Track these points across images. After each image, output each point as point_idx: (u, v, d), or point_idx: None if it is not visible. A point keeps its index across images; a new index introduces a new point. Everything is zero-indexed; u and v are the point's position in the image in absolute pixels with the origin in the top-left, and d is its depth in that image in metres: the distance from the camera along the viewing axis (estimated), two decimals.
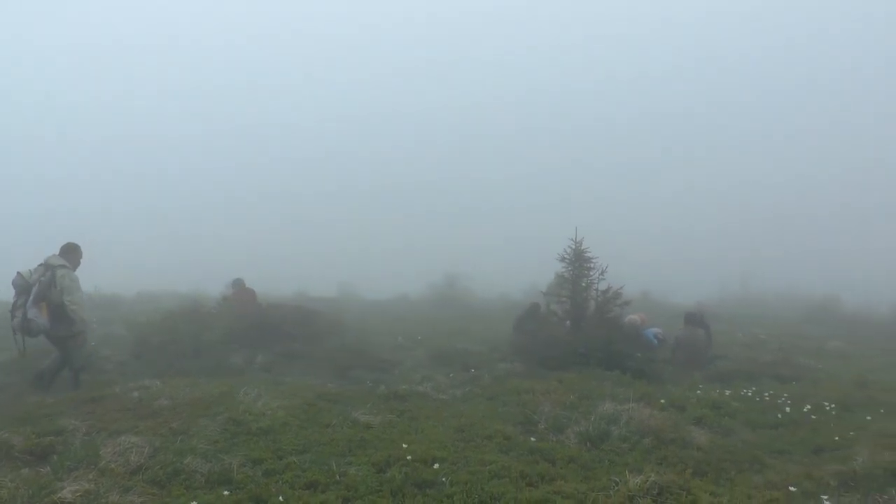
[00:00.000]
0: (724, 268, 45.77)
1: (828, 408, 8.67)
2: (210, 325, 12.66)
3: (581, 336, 11.85)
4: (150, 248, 52.59)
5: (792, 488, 5.63)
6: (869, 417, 8.27)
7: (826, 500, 5.44)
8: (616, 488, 5.19)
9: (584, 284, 12.47)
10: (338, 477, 5.34)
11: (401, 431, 6.90)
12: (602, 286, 12.44)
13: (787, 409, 8.58)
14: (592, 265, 12.43)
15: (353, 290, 33.17)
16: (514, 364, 11.39)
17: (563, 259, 12.66)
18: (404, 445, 6.17)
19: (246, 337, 12.27)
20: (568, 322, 12.70)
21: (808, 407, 8.65)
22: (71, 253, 8.81)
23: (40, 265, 8.56)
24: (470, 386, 9.81)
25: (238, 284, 15.55)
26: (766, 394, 9.44)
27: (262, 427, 6.72)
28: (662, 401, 8.69)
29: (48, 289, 8.31)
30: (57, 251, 8.78)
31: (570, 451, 6.40)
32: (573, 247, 12.48)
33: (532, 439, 6.89)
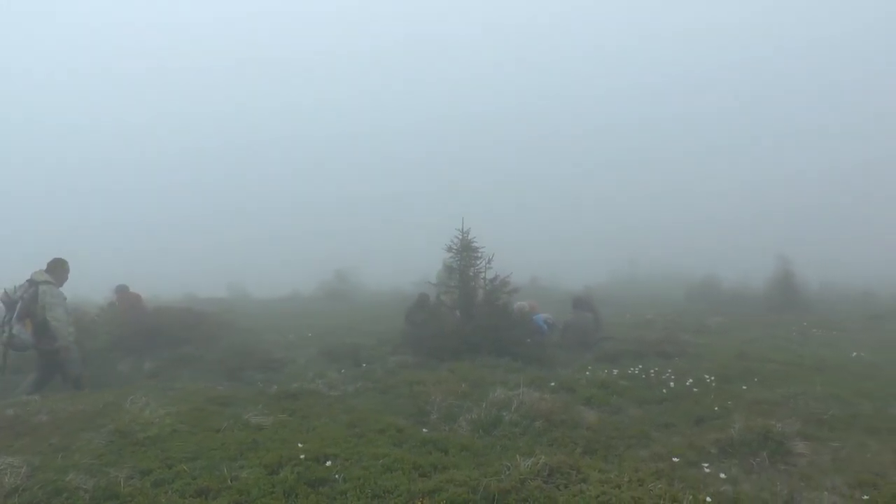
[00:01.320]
0: (612, 252, 47.67)
1: (708, 380, 9.25)
2: (94, 333, 12.10)
3: (471, 325, 12.04)
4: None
5: (675, 459, 6.00)
6: (745, 387, 8.91)
7: (706, 467, 5.83)
8: (508, 472, 5.33)
9: (471, 273, 12.66)
10: (229, 482, 5.24)
11: (293, 431, 6.84)
12: (490, 275, 12.67)
13: (672, 385, 9.09)
14: (479, 254, 12.64)
15: (243, 289, 32.54)
16: (405, 356, 11.47)
17: (450, 249, 12.80)
18: (297, 445, 6.13)
19: (132, 343, 11.78)
20: (457, 311, 12.87)
21: (691, 381, 9.20)
22: (57, 269, 9.10)
23: (26, 281, 8.84)
24: (362, 381, 9.83)
25: (122, 290, 14.89)
26: (652, 371, 9.95)
27: (150, 436, 6.50)
28: (553, 384, 9.01)
29: (31, 305, 8.62)
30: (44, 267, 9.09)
31: (462, 440, 6.54)
32: (460, 237, 12.65)
33: (424, 430, 6.99)
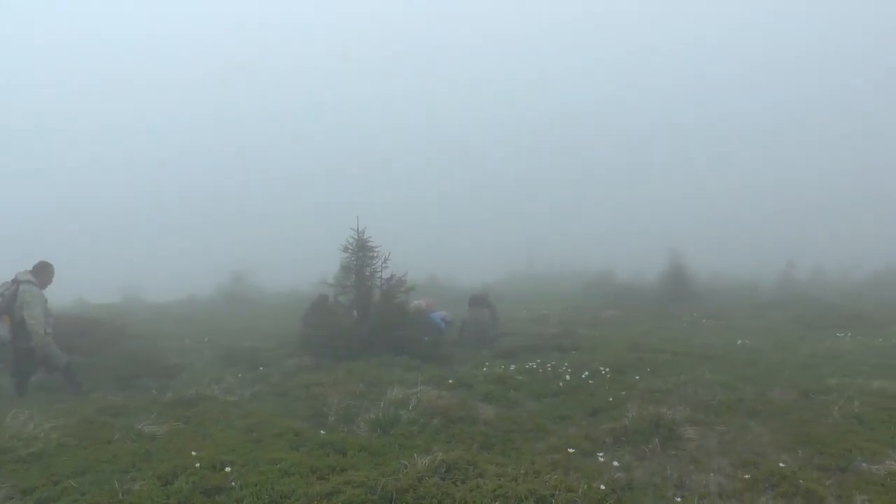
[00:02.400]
0: (510, 249, 48.57)
1: (603, 372, 9.60)
2: None
3: (368, 325, 12.04)
4: None
5: (571, 450, 6.21)
6: (638, 377, 9.31)
7: (601, 456, 6.07)
8: (405, 471, 5.38)
9: (368, 273, 12.64)
10: (121, 495, 5.05)
11: (188, 439, 6.66)
12: (386, 274, 12.70)
13: (568, 377, 9.37)
14: (375, 254, 12.63)
15: (138, 294, 31.31)
16: (303, 358, 11.37)
17: (346, 249, 12.74)
18: (193, 453, 5.98)
19: None
20: (354, 311, 12.84)
21: (587, 373, 9.53)
22: (41, 271, 9.45)
23: (10, 280, 9.19)
24: (259, 384, 9.67)
25: None
26: (549, 365, 10.23)
27: (34, 452, 6.17)
28: (450, 381, 9.14)
29: (11, 303, 8.97)
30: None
31: (360, 440, 6.55)
32: (356, 237, 12.61)
33: (322, 432, 6.95)
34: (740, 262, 39.23)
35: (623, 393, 8.40)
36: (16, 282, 9.13)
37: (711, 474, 5.60)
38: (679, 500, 5.13)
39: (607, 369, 9.73)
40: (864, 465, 5.68)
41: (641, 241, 46.59)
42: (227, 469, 5.55)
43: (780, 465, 5.70)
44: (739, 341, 12.93)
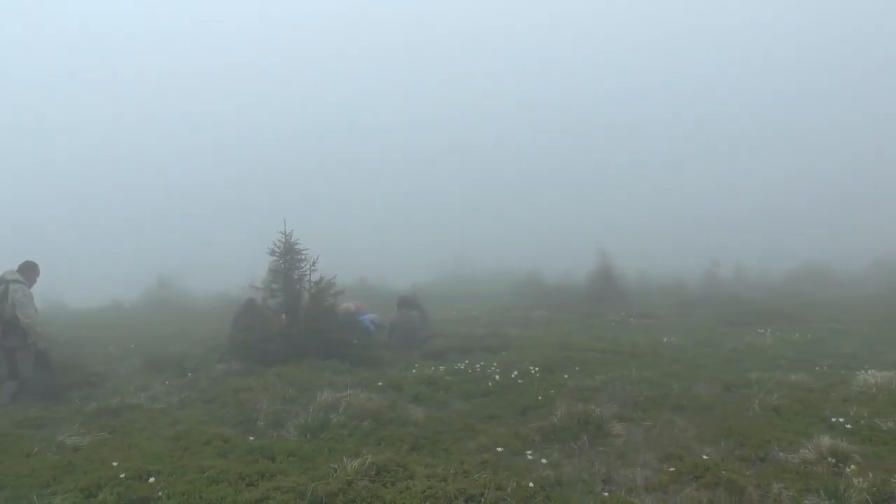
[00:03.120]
0: (440, 251, 48.78)
1: (532, 371, 9.74)
2: None
3: (297, 328, 11.92)
4: None
5: (500, 449, 6.28)
6: (566, 376, 9.48)
7: (530, 454, 6.16)
8: (335, 475, 5.37)
9: (296, 276, 12.51)
10: None
11: (113, 449, 6.47)
12: (315, 277, 12.59)
13: (497, 377, 9.47)
14: (303, 257, 12.51)
15: (59, 299, 30.13)
16: (232, 363, 11.16)
17: (273, 252, 12.58)
18: (114, 464, 5.82)
19: None
20: (283, 315, 12.69)
21: (516, 373, 9.65)
22: (28, 270, 9.53)
23: None
24: (187, 391, 9.44)
25: None
26: (478, 365, 10.32)
27: None
28: (380, 383, 9.13)
29: (1, 303, 8.98)
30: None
31: (290, 445, 6.48)
32: (283, 240, 12.47)
33: (251, 438, 6.86)
34: (668, 262, 40.40)
35: (552, 391, 8.55)
36: (3, 281, 9.14)
37: (638, 468, 5.75)
38: (606, 494, 5.24)
39: (536, 369, 9.88)
40: (781, 454, 5.94)
41: (571, 242, 47.48)
42: (153, 479, 5.43)
43: (704, 457, 5.91)
44: (665, 339, 13.30)
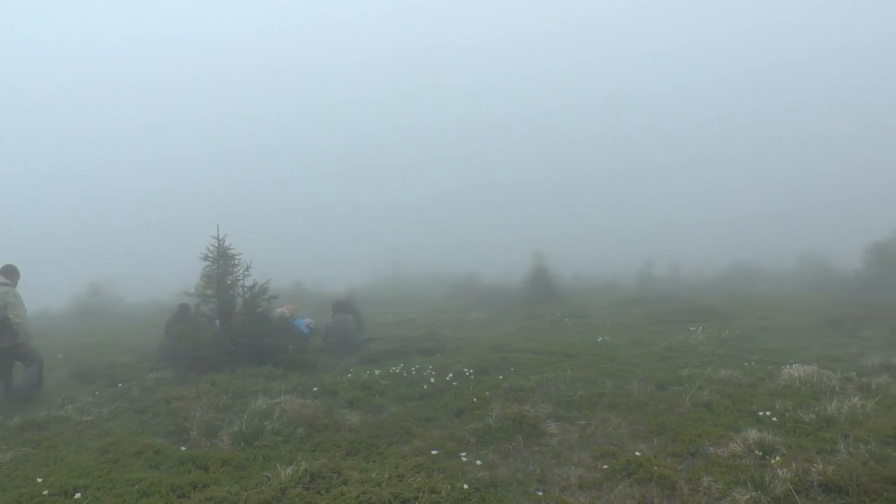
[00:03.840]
0: (377, 255, 48.68)
1: (468, 373, 9.78)
2: None
3: (230, 334, 11.72)
4: None
5: (434, 451, 6.28)
6: (501, 377, 9.54)
7: (464, 456, 6.17)
8: (268, 483, 5.32)
9: (229, 282, 12.31)
10: None
11: (38, 465, 6.23)
12: (248, 282, 12.40)
13: (432, 380, 9.47)
14: (237, 262, 12.32)
15: None
16: (164, 372, 10.87)
17: (206, 258, 12.34)
18: (39, 480, 5.62)
19: None
20: (217, 321, 12.48)
21: (451, 375, 9.66)
22: (11, 272, 9.77)
23: None
24: (118, 401, 9.15)
25: None
26: (414, 368, 10.30)
27: None
28: (315, 389, 9.04)
29: None
30: None
31: (223, 454, 6.36)
32: (216, 244, 12.24)
33: (183, 448, 6.70)
34: (604, 263, 41.08)
35: (487, 393, 8.59)
36: None
37: (572, 467, 5.85)
38: (541, 493, 5.31)
39: (472, 370, 9.93)
40: (711, 448, 6.12)
41: (509, 246, 47.94)
42: (79, 495, 5.29)
43: (637, 454, 6.05)
44: (600, 338, 13.49)
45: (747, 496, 4.93)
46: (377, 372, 10.27)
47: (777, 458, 5.62)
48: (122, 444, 6.85)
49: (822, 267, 28.79)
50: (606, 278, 33.02)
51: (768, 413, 7.11)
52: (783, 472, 5.20)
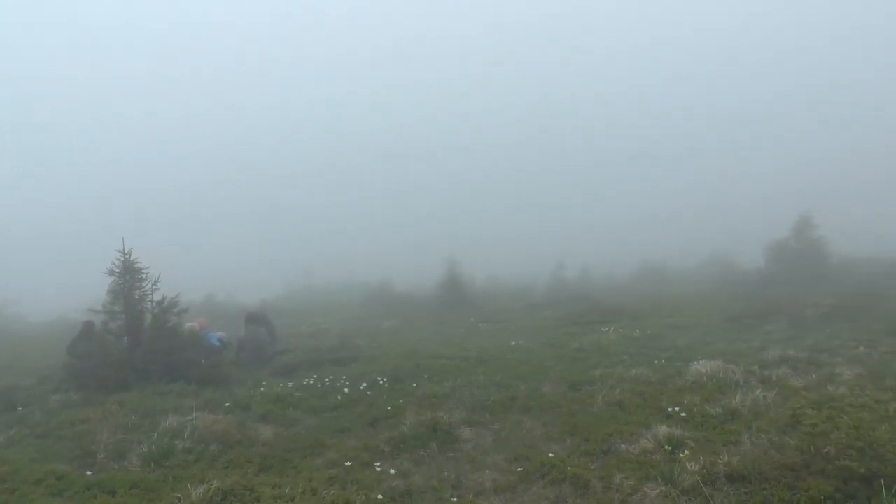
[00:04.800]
0: (289, 265, 48.06)
1: (381, 382, 9.77)
2: None
3: (139, 351, 11.36)
4: None
5: (348, 463, 6.24)
6: (415, 384, 9.57)
7: (378, 466, 6.16)
8: None
9: (137, 297, 11.93)
10: None
11: None
12: (157, 296, 12.05)
13: (346, 390, 9.42)
14: (144, 276, 11.95)
15: None
16: (69, 393, 10.39)
17: (112, 273, 11.92)
18: None
19: None
20: (125, 338, 12.07)
21: (365, 384, 9.64)
22: None
23: None
24: (17, 427, 8.67)
25: None
26: (327, 379, 10.22)
27: None
28: (228, 404, 8.86)
29: None
30: None
31: (132, 477, 6.15)
32: (122, 259, 11.84)
33: (89, 473, 6.44)
34: (518, 266, 41.65)
35: (401, 401, 8.60)
36: None
37: (487, 471, 5.92)
38: (455, 499, 5.34)
39: (385, 379, 9.92)
40: (622, 446, 6.31)
41: (422, 253, 48.09)
42: None
43: (550, 455, 6.18)
44: (514, 342, 13.67)
45: (658, 490, 5.10)
46: (291, 384, 10.14)
47: (686, 452, 5.83)
48: (21, 472, 6.52)
49: (727, 265, 29.86)
50: (520, 282, 33.45)
51: (677, 409, 7.38)
52: (691, 466, 5.41)
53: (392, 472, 5.95)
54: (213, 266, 51.88)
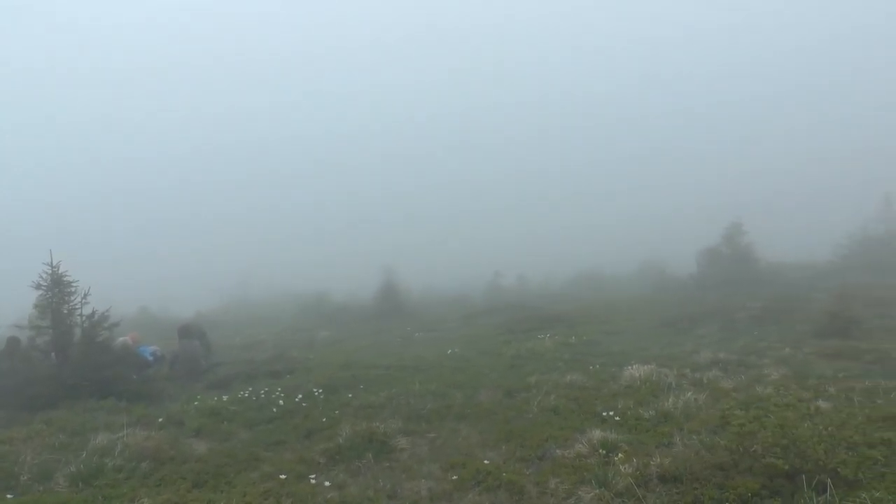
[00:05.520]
0: (225, 275, 47.28)
1: (317, 393, 9.70)
2: None
3: (68, 367, 10.99)
4: None
5: (283, 476, 6.17)
6: (351, 395, 9.53)
7: (313, 478, 6.10)
8: None
9: (66, 311, 11.55)
10: None
11: None
12: (87, 310, 11.69)
13: (282, 402, 9.31)
14: (74, 289, 11.59)
15: None
16: None
17: (39, 287, 11.51)
18: None
19: None
20: (53, 354, 11.66)
21: (300, 396, 9.55)
22: None
23: None
24: None
25: None
26: (263, 391, 10.08)
27: None
28: (161, 420, 8.65)
29: None
30: None
31: (59, 498, 5.95)
32: (49, 271, 11.45)
33: (10, 496, 6.20)
34: (455, 275, 41.77)
35: (337, 412, 8.55)
36: None
37: (422, 480, 5.92)
38: None
39: (321, 390, 9.85)
40: (557, 451, 6.40)
41: (358, 260, 47.83)
42: None
43: (485, 462, 6.22)
44: (450, 350, 13.73)
45: (592, 493, 5.19)
46: (225, 398, 9.98)
47: (619, 455, 5.94)
48: None
49: (660, 271, 30.51)
50: (457, 290, 33.54)
51: (611, 413, 7.51)
52: (625, 468, 5.52)
53: (327, 483, 5.90)
54: (147, 277, 50.59)
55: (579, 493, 5.26)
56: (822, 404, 7.14)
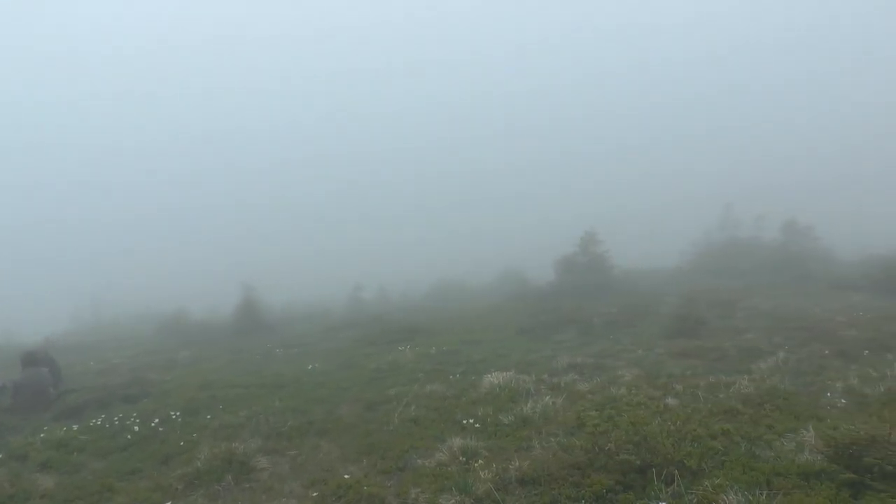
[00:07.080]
0: (74, 296, 44.58)
1: (174, 417, 9.30)
2: None
3: None
4: None
5: None
6: (210, 416, 9.21)
7: None
8: None
9: None
10: None
11: None
12: None
13: (137, 429, 8.86)
14: None
15: None
16: None
17: None
18: None
19: None
20: None
21: (157, 420, 9.13)
22: None
23: None
24: None
25: None
26: (116, 418, 9.56)
27: None
28: (0, 455, 8.02)
29: None
30: None
31: None
32: None
33: None
34: (316, 289, 41.19)
35: (195, 435, 8.25)
36: None
37: (283, 499, 5.83)
38: None
39: (179, 413, 9.47)
40: (419, 461, 6.47)
41: (217, 276, 46.33)
42: None
43: (346, 476, 6.18)
44: (311, 366, 13.52)
45: (453, 500, 5.27)
46: (76, 427, 9.38)
47: (479, 461, 6.07)
48: None
49: (520, 280, 31.25)
50: (319, 305, 33.08)
51: (472, 420, 7.66)
52: (485, 474, 5.64)
53: None
54: None
55: (440, 501, 5.33)
56: (671, 401, 7.60)
